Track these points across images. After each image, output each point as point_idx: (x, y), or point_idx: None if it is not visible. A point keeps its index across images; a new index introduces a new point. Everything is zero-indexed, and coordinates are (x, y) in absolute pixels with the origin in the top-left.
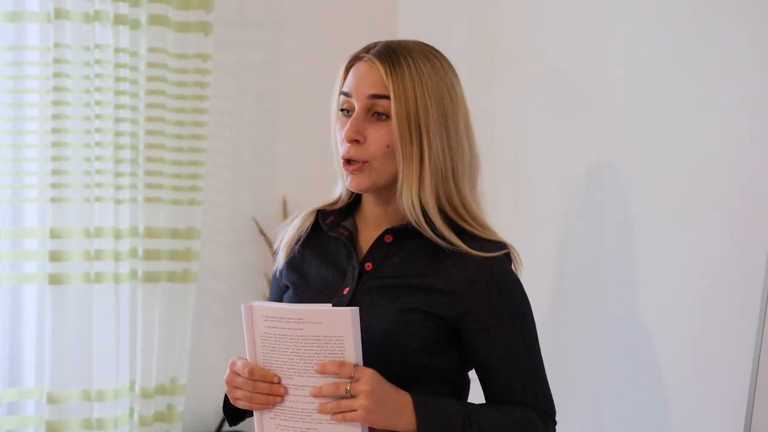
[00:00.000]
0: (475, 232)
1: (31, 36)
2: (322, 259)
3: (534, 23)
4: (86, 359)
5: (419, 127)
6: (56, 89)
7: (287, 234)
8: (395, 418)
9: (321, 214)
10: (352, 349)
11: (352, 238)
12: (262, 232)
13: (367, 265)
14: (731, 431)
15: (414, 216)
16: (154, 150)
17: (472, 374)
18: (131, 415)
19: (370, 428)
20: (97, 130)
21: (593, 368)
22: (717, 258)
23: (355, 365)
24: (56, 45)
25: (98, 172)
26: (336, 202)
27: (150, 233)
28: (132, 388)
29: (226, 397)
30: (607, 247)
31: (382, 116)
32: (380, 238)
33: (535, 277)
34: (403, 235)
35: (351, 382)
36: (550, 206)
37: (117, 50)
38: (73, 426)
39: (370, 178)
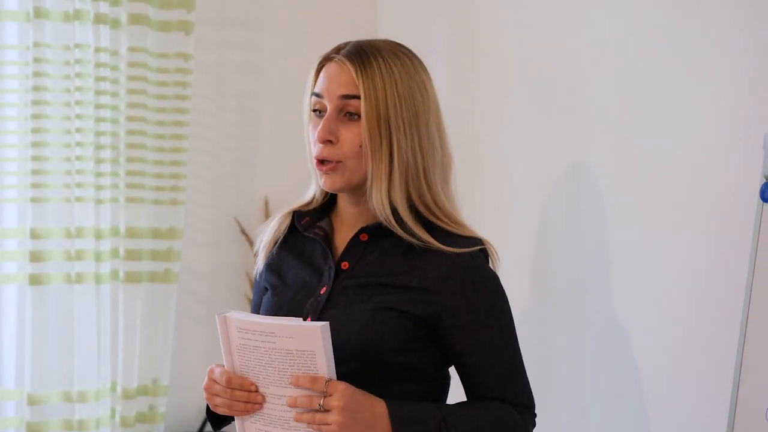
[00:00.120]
0: (449, 228)
1: (10, 35)
2: (299, 260)
3: (515, 22)
4: (67, 360)
5: (389, 126)
6: (36, 89)
7: (265, 237)
8: (371, 429)
9: (297, 216)
10: (324, 363)
11: (328, 238)
12: (243, 231)
13: (343, 264)
14: (714, 426)
15: (384, 215)
16: (135, 150)
17: (453, 371)
18: (113, 416)
19: None
20: (78, 130)
21: (576, 366)
22: (700, 256)
23: (328, 380)
24: (36, 44)
25: (79, 172)
26: (310, 203)
27: (131, 233)
28: (113, 389)
29: None
30: (589, 246)
31: (353, 116)
32: (355, 237)
33: (516, 276)
34: (377, 233)
35: (324, 397)
36: (531, 205)
37: (97, 50)
38: (54, 427)
39: (343, 177)
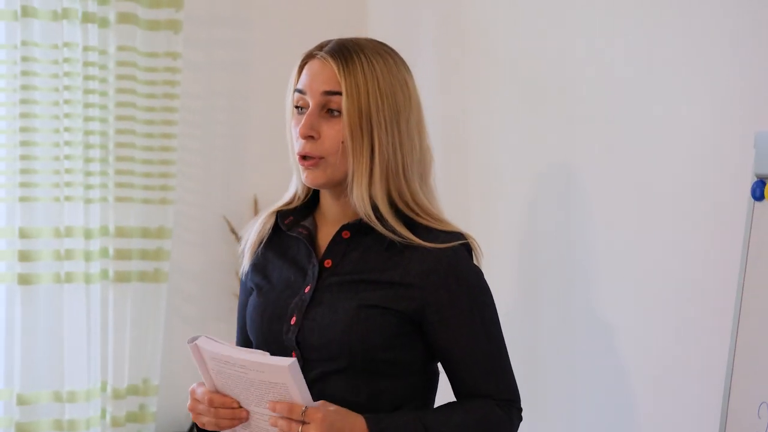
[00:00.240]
0: (430, 224)
1: None
2: (284, 260)
3: (504, 21)
4: (57, 360)
5: (370, 123)
6: (24, 88)
7: (250, 238)
8: None
9: (280, 215)
10: (297, 395)
11: (312, 236)
12: (233, 230)
13: (326, 262)
14: (707, 423)
15: (364, 210)
16: (124, 149)
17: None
18: (103, 416)
19: None
20: (66, 129)
21: (567, 365)
22: (692, 255)
23: (305, 408)
24: (24, 43)
25: (68, 171)
26: (292, 201)
27: (121, 233)
28: (104, 388)
29: None
30: (579, 246)
31: (335, 113)
32: (338, 235)
33: (506, 275)
34: (359, 230)
35: (303, 424)
36: (520, 204)
37: (86, 48)
38: (43, 427)
39: (325, 173)
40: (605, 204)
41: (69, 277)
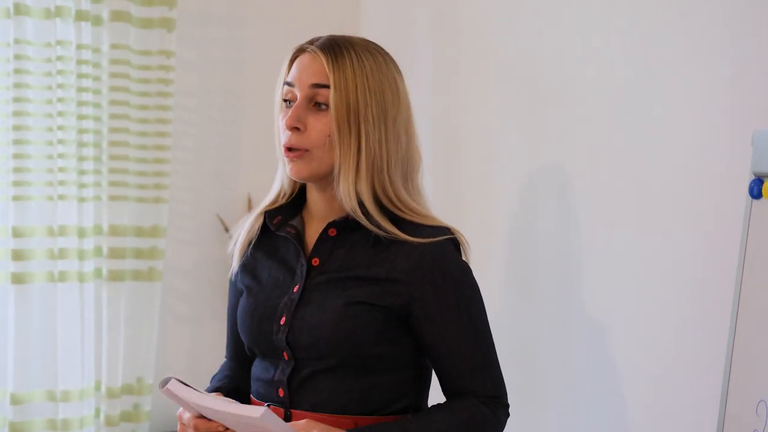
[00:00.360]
0: (415, 219)
1: None
2: (273, 260)
3: (500, 19)
4: (51, 359)
5: (358, 117)
6: (17, 86)
7: (239, 239)
8: None
9: (268, 216)
10: (279, 430)
11: (300, 235)
12: (227, 229)
13: (314, 260)
14: (705, 421)
15: (350, 205)
16: (118, 147)
17: None
18: (97, 415)
19: None
20: (60, 128)
21: (564, 364)
22: (689, 253)
23: None
24: (16, 41)
25: (61, 170)
26: (278, 198)
27: (114, 231)
28: (98, 388)
29: None
30: (576, 245)
31: (322, 106)
32: (324, 233)
33: (502, 275)
34: (346, 227)
35: None
36: (517, 203)
37: (79, 47)
38: (37, 427)
39: (310, 166)
40: (603, 203)
41: (63, 276)
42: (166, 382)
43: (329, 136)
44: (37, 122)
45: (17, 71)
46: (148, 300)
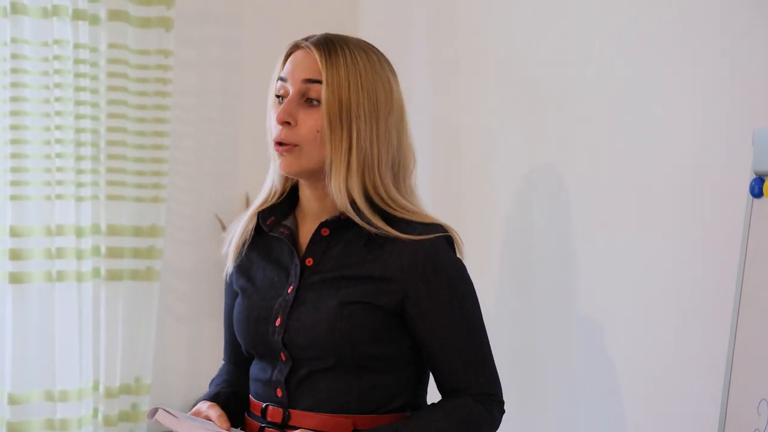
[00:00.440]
0: (407, 217)
1: None
2: (267, 261)
3: (498, 19)
4: (48, 359)
5: (349, 115)
6: (14, 85)
7: (233, 240)
8: None
9: (261, 216)
10: None
11: (293, 236)
12: (225, 229)
13: (308, 260)
14: (707, 421)
15: (341, 202)
16: (115, 147)
17: None
18: (95, 415)
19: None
20: (58, 127)
21: (564, 365)
22: (690, 252)
23: None
24: (13, 40)
25: (59, 169)
26: (270, 197)
27: (112, 231)
28: (96, 387)
29: None
30: (576, 245)
31: (314, 102)
32: (317, 233)
33: (502, 276)
34: (338, 226)
35: None
36: (516, 203)
37: (76, 46)
38: (35, 427)
39: (299, 161)
40: (603, 202)
41: (60, 276)
42: (153, 412)
43: (319, 131)
44: (35, 122)
45: (14, 70)
46: (146, 300)
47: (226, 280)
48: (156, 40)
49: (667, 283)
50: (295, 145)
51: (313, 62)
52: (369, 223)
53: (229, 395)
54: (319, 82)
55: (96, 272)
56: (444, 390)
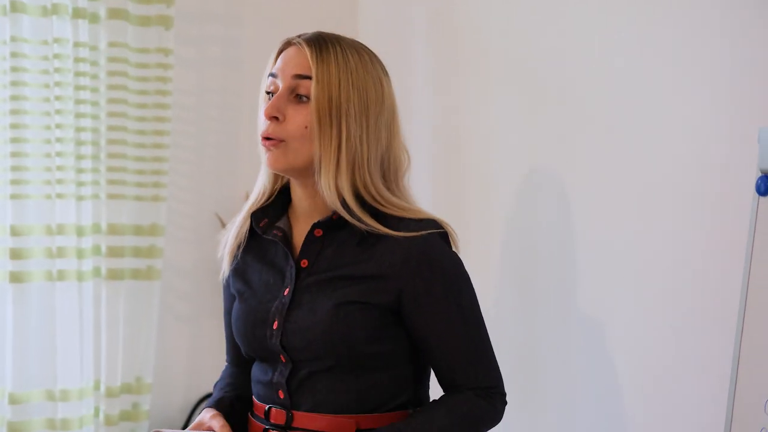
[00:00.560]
0: (400, 214)
1: None
2: (263, 263)
3: (498, 18)
4: (49, 358)
5: (339, 112)
6: (14, 84)
7: (228, 242)
8: None
9: (254, 218)
10: None
11: (287, 237)
12: (225, 228)
13: (302, 262)
14: (713, 420)
15: (331, 200)
16: (116, 146)
17: None
18: (96, 414)
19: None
20: (58, 126)
21: (567, 364)
22: (696, 251)
23: None
24: (13, 39)
25: (59, 168)
26: (261, 196)
27: (113, 230)
28: (97, 387)
29: None
30: (579, 243)
31: (303, 98)
32: (310, 234)
33: (504, 275)
34: (331, 226)
35: None
36: (517, 203)
37: (76, 44)
38: (36, 427)
39: (286, 157)
40: (605, 201)
41: (61, 275)
42: None
43: (307, 128)
44: (35, 120)
45: (14, 69)
46: (147, 299)
47: (222, 283)
48: (156, 39)
49: (672, 282)
50: (282, 141)
51: (303, 59)
52: (360, 221)
53: (233, 399)
54: (309, 78)
55: (96, 271)
56: (445, 385)
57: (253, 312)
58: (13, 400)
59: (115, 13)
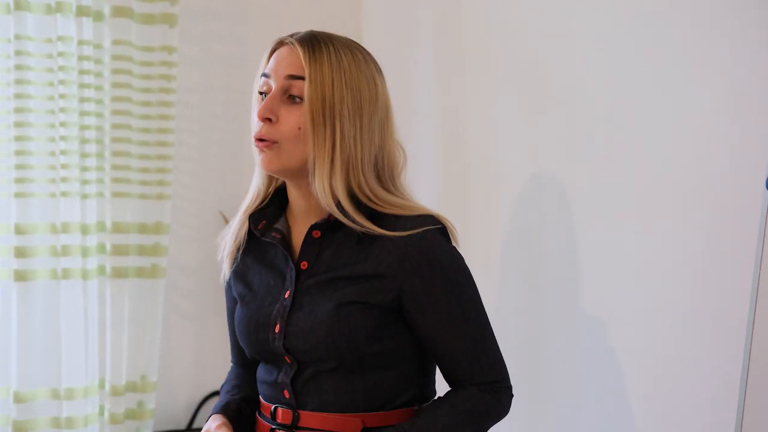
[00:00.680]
0: (396, 212)
1: None
2: (263, 265)
3: (504, 19)
4: (54, 357)
5: (332, 112)
6: (18, 82)
7: (227, 245)
8: None
9: (252, 220)
10: None
11: (286, 239)
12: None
13: (302, 264)
14: (723, 422)
15: (325, 201)
16: (120, 144)
17: None
18: (101, 413)
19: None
20: (62, 124)
21: (572, 364)
22: (705, 249)
23: None
24: (17, 37)
25: (63, 166)
26: (257, 197)
27: (118, 228)
28: (102, 385)
29: None
30: (585, 243)
31: (296, 99)
32: (308, 235)
33: (509, 274)
34: (329, 227)
35: None
36: (522, 202)
37: (80, 42)
38: (41, 425)
39: (279, 159)
40: (611, 199)
41: (66, 274)
42: None
43: (300, 129)
44: (39, 119)
45: (18, 67)
46: (152, 297)
47: (224, 285)
48: (160, 37)
49: (675, 282)
50: (275, 142)
51: (296, 59)
52: (355, 222)
53: (240, 402)
54: (302, 78)
55: (101, 270)
56: (450, 381)
57: (254, 315)
58: (18, 399)
59: (119, 11)
